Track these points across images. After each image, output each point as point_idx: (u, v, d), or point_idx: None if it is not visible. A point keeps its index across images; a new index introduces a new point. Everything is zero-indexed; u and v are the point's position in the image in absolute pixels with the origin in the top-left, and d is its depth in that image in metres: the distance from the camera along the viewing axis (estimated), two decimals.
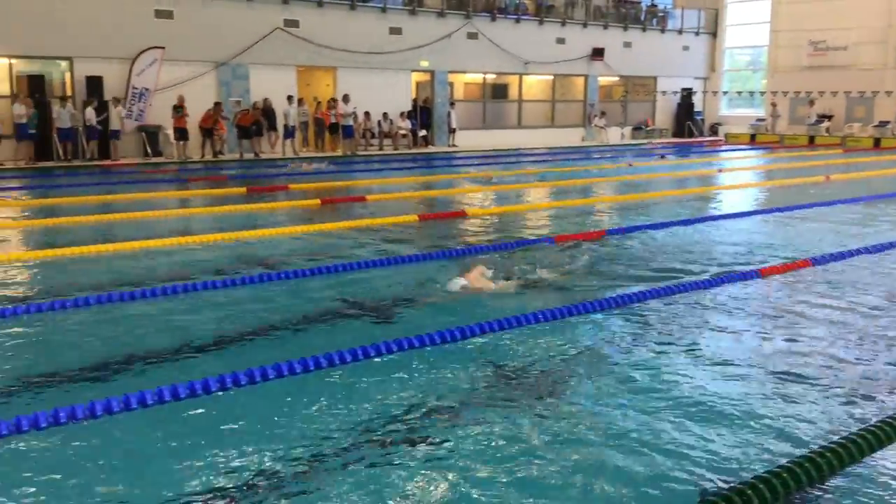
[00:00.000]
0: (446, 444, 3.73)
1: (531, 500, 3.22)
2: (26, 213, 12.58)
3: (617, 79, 34.01)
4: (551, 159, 23.88)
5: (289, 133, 23.97)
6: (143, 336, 5.50)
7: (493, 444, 3.74)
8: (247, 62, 23.79)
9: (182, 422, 4.00)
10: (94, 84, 21.16)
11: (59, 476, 3.43)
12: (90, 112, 20.62)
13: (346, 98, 24.67)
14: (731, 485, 3.27)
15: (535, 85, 32.03)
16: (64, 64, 21.41)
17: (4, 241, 9.29)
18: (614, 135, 32.75)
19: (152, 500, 3.22)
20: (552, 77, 31.98)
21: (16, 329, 5.68)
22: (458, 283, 6.69)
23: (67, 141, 20.55)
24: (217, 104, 22.50)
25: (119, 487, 3.33)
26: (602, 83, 33.56)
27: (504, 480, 3.38)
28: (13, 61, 20.84)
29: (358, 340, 5.06)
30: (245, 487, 3.31)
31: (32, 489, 3.31)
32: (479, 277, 6.80)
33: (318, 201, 13.05)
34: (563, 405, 4.23)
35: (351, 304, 6.28)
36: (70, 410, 3.91)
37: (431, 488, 3.31)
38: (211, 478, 3.40)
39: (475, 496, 3.25)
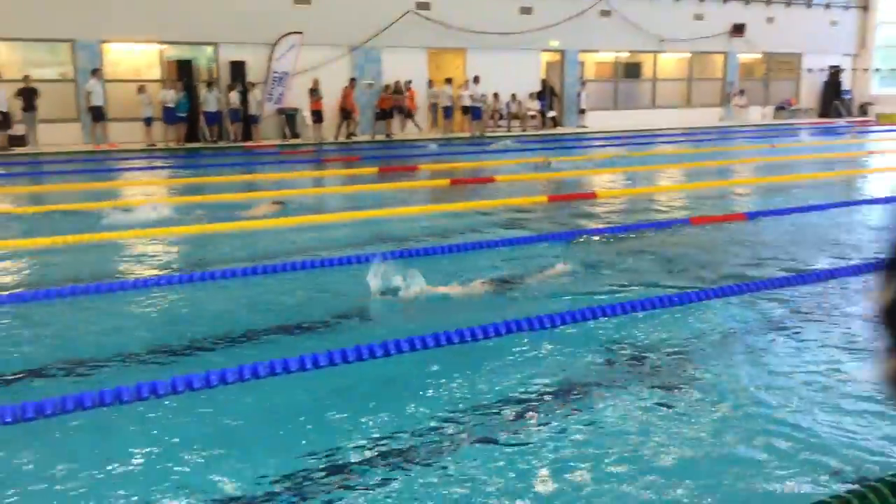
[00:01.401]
0: (565, 427, 3.69)
1: (653, 486, 3.15)
2: (178, 191, 13.35)
3: (758, 56, 32.41)
4: (687, 140, 23.08)
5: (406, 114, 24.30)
6: (289, 303, 5.71)
7: (613, 428, 3.67)
8: (379, 46, 24.24)
9: (321, 387, 4.14)
10: (238, 68, 22.16)
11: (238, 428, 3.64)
12: (234, 96, 21.61)
13: (475, 79, 24.73)
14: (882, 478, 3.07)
15: (670, 63, 31.00)
16: (210, 49, 22.52)
17: (161, 216, 9.90)
18: (755, 115, 31.28)
19: (296, 463, 3.35)
20: (689, 55, 30.85)
21: (174, 296, 6.05)
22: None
23: (213, 124, 21.65)
24: (352, 80, 23.06)
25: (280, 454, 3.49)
26: (742, 61, 32.07)
27: (623, 467, 3.32)
28: (163, 47, 22.09)
29: (478, 320, 5.07)
30: (378, 457, 3.40)
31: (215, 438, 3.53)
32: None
33: (447, 181, 13.16)
34: (694, 391, 4.10)
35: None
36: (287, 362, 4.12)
37: (548, 470, 3.28)
38: (344, 446, 3.50)
39: (593, 480, 3.20)
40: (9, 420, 3.66)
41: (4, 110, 18.92)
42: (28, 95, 19.02)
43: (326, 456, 3.39)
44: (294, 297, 5.96)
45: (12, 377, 4.35)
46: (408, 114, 24.21)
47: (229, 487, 3.13)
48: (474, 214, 9.97)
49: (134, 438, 3.57)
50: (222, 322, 5.35)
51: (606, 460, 3.33)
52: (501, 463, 3.31)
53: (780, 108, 32.43)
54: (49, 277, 6.71)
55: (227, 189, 12.74)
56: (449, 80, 25.27)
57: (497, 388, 4.12)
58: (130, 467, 3.31)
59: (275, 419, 3.80)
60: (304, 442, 3.53)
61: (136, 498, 3.06)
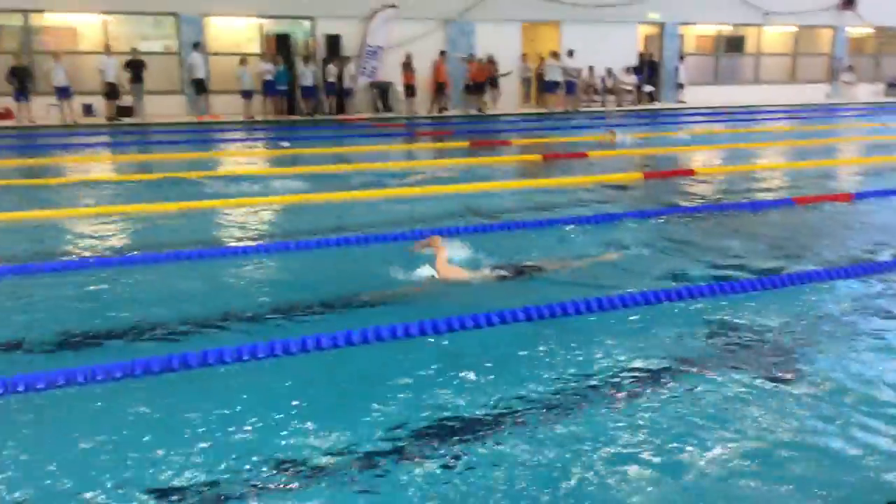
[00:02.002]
0: (662, 406, 3.62)
1: (751, 472, 3.06)
2: (274, 162, 13.68)
3: (870, 30, 30.70)
4: (791, 117, 22.15)
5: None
6: (380, 273, 5.78)
7: (710, 409, 3.58)
8: (473, 19, 24.09)
9: (417, 357, 4.19)
10: (333, 43, 22.44)
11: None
12: (330, 69, 21.92)
13: (570, 53, 24.33)
14: None
15: (775, 37, 29.72)
16: (307, 23, 22.87)
17: (258, 186, 10.16)
18: (864, 92, 29.72)
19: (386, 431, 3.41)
20: (795, 28, 29.50)
21: (270, 263, 6.22)
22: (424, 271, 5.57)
23: (310, 97, 22.04)
24: (442, 53, 23.02)
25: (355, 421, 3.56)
26: (852, 35, 30.46)
27: (718, 451, 3.24)
28: (263, 21, 22.56)
29: (571, 295, 5.02)
30: (481, 427, 3.43)
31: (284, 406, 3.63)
32: (444, 264, 5.61)
33: (539, 156, 13.04)
34: (796, 377, 3.95)
35: (567, 259, 6.21)
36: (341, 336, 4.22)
37: (642, 448, 3.23)
38: (450, 413, 3.54)
39: (689, 460, 3.14)
40: (118, 376, 3.84)
41: (113, 82, 19.72)
42: (135, 68, 19.79)
43: (436, 420, 3.44)
44: (384, 267, 6.01)
45: (121, 336, 4.56)
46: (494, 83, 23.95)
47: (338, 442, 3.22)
48: (567, 190, 9.85)
49: (235, 398, 3.69)
50: (313, 289, 5.47)
51: (703, 441, 3.26)
52: (601, 439, 3.29)
53: (892, 86, 30.68)
54: (154, 242, 6.99)
55: (321, 161, 12.97)
56: (555, 54, 24.91)
57: (592, 365, 4.08)
58: (232, 426, 3.43)
59: (384, 384, 3.87)
60: (409, 409, 3.59)
61: (236, 456, 3.18)
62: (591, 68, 25.41)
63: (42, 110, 19.47)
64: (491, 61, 23.63)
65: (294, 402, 3.65)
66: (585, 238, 7.04)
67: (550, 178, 10.68)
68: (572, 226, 7.49)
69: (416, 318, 4.50)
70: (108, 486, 2.95)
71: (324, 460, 3.14)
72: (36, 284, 5.67)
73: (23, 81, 18.81)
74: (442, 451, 3.20)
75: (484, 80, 23.43)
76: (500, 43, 24.09)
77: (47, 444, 3.29)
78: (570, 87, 24.46)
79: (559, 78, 24.20)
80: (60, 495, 2.91)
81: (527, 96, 25.43)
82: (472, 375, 3.94)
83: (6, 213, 8.14)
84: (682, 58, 27.40)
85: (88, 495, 2.89)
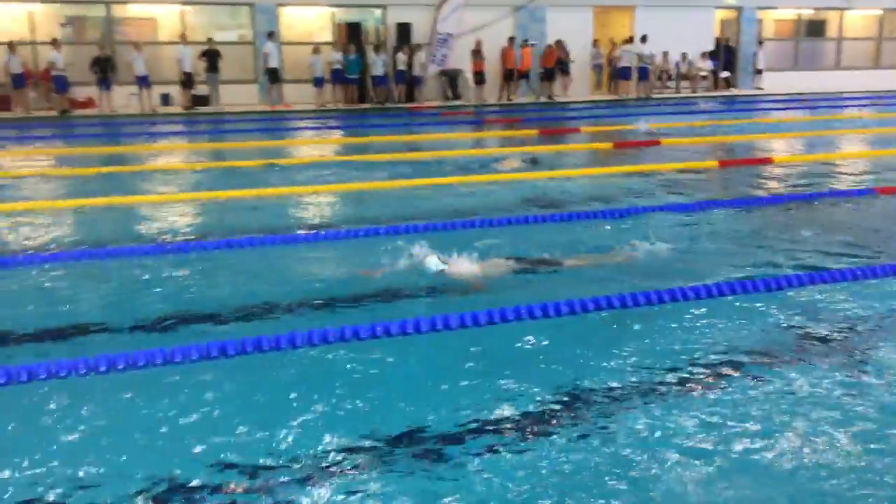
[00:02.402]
0: (736, 397, 3.54)
1: (825, 467, 2.96)
2: (345, 150, 13.84)
3: None
4: (875, 104, 21.29)
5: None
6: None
7: (783, 401, 3.48)
8: (544, 4, 23.84)
9: (477, 345, 4.20)
10: (404, 30, 22.52)
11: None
12: (400, 57, 22.02)
13: (643, 38, 23.86)
14: None
15: (857, 21, 28.56)
16: (378, 12, 23.00)
17: (327, 173, 10.30)
18: None
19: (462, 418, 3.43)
20: (880, 12, 28.29)
21: (333, 251, 6.30)
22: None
23: (380, 85, 22.18)
24: (511, 39, 22.85)
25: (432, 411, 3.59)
26: None
27: (793, 442, 3.14)
28: (335, 10, 22.79)
29: (643, 285, 4.94)
30: (553, 414, 3.42)
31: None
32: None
33: (611, 144, 12.85)
34: (874, 374, 3.81)
35: (639, 248, 6.11)
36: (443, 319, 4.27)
37: (720, 439, 3.16)
38: (515, 403, 3.54)
39: (762, 453, 3.06)
40: (195, 357, 3.95)
41: (189, 71, 20.22)
42: (211, 57, 20.24)
43: (508, 408, 3.45)
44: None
45: (200, 320, 4.69)
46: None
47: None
48: (639, 178, 9.69)
49: (311, 380, 3.77)
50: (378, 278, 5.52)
51: (776, 433, 3.18)
52: (670, 428, 3.24)
53: None
54: (227, 228, 7.16)
55: (390, 149, 13.06)
56: (630, 39, 24.49)
57: (665, 355, 4.02)
58: (304, 408, 3.50)
59: (453, 372, 3.90)
60: (472, 399, 3.60)
61: (303, 435, 3.24)
62: (665, 54, 24.88)
63: (122, 99, 20.10)
64: (560, 46, 23.32)
65: (395, 383, 3.71)
66: (654, 228, 6.91)
67: (621, 165, 10.51)
68: (641, 214, 7.37)
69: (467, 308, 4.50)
70: (205, 461, 3.05)
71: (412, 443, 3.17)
72: (114, 267, 5.87)
73: (105, 71, 19.44)
74: (516, 441, 3.20)
75: (554, 64, 23.14)
76: (571, 29, 23.77)
77: (134, 420, 3.41)
78: (643, 74, 24.02)
79: (632, 64, 23.76)
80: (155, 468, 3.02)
81: (598, 83, 25.07)
82: (542, 366, 3.93)
83: (88, 199, 8.45)
84: (760, 43, 26.58)
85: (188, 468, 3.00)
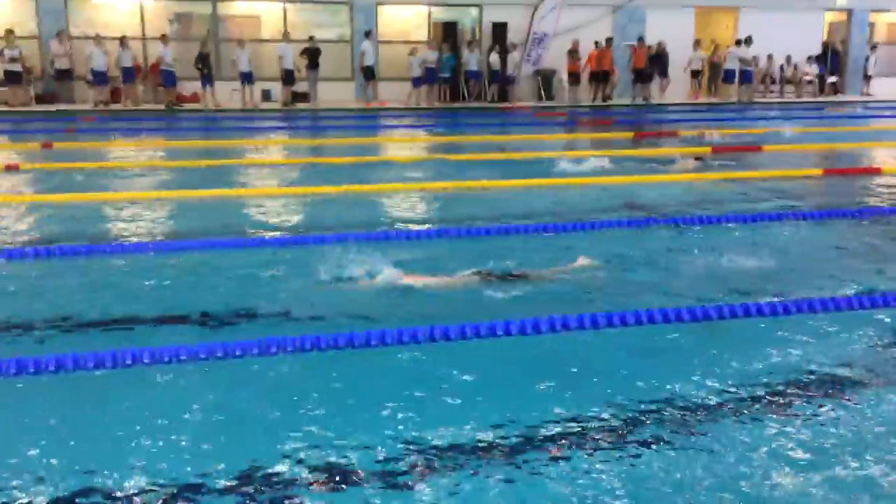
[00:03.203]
0: (832, 415, 3.38)
1: None
2: (435, 148, 13.93)
3: None
4: None
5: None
6: (532, 264, 5.76)
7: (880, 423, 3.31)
8: (644, 5, 23.40)
9: (560, 351, 4.15)
10: (499, 30, 22.49)
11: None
12: (494, 57, 22.00)
13: (747, 41, 23.11)
14: None
15: None
16: (475, 11, 23.05)
17: (419, 172, 10.39)
18: None
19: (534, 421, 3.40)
20: None
21: (418, 249, 6.34)
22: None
23: (473, 84, 22.21)
24: (608, 40, 22.48)
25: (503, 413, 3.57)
26: None
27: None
28: (432, 9, 22.95)
29: (737, 297, 4.79)
30: (638, 424, 3.35)
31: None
32: None
33: (708, 149, 12.50)
34: None
35: (731, 259, 5.92)
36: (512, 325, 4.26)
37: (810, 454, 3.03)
38: (607, 408, 3.49)
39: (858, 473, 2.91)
40: (291, 349, 4.03)
41: (290, 68, 20.71)
42: (312, 55, 20.69)
43: (610, 415, 3.41)
44: (532, 259, 5.94)
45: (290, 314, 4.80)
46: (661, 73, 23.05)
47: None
48: (736, 185, 9.40)
49: (393, 380, 3.82)
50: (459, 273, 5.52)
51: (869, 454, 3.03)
52: (762, 444, 3.13)
53: None
54: (323, 223, 7.30)
55: (482, 148, 13.07)
56: (738, 42, 23.80)
57: (763, 369, 3.90)
58: (374, 406, 3.53)
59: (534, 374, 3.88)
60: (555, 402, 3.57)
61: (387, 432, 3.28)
62: (769, 57, 24.05)
63: (225, 94, 20.77)
64: (660, 52, 22.81)
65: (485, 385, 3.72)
66: (749, 237, 6.69)
67: (718, 171, 10.22)
68: (735, 223, 7.14)
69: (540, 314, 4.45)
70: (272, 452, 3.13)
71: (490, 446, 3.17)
72: (216, 259, 6.06)
73: (209, 67, 20.13)
74: (610, 448, 3.16)
75: (643, 65, 22.61)
76: (671, 29, 23.20)
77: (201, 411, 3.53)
78: (745, 77, 23.25)
79: (736, 67, 23.03)
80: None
81: (698, 86, 24.42)
82: (624, 373, 3.86)
83: (192, 191, 8.76)
84: (872, 47, 25.35)
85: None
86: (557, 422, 3.37)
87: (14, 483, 2.87)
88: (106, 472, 2.93)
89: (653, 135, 15.17)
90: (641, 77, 22.77)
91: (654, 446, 3.16)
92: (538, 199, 8.57)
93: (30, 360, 3.79)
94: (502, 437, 3.22)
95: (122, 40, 19.57)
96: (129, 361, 3.85)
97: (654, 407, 3.51)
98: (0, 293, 5.20)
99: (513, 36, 22.48)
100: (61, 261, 5.93)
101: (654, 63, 22.81)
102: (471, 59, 21.91)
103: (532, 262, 5.72)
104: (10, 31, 19.00)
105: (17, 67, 19.08)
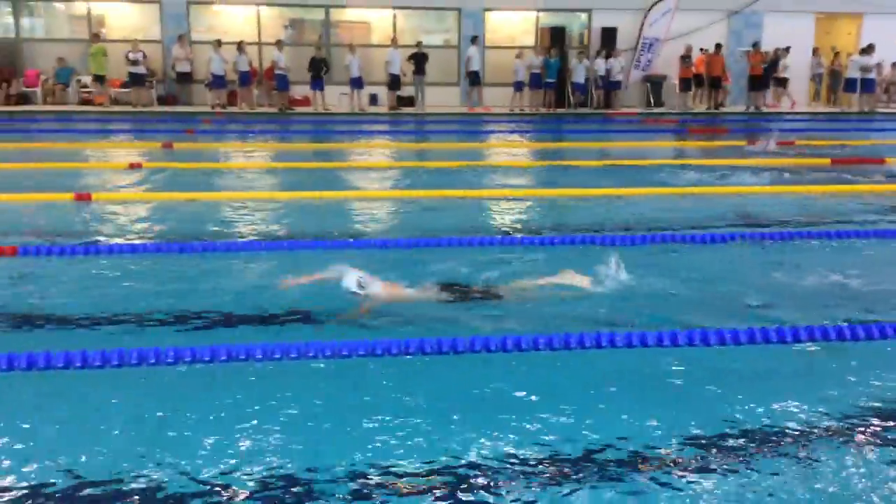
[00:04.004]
0: None
1: None
2: (537, 154, 13.85)
3: None
4: None
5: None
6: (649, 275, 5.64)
7: None
8: (762, 10, 22.58)
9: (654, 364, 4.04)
10: (608, 35, 22.17)
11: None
12: (600, 62, 21.70)
13: (869, 48, 21.93)
14: None
15: None
16: (584, 16, 22.82)
17: (520, 177, 10.35)
18: None
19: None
20: None
21: (530, 255, 6.30)
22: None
23: (579, 90, 21.99)
24: (717, 46, 21.77)
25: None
26: None
27: None
28: (540, 14, 22.85)
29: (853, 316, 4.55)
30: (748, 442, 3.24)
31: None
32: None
33: (828, 160, 11.94)
34: None
35: (847, 275, 5.62)
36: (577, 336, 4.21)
37: None
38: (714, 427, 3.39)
39: None
40: (384, 351, 4.07)
41: (397, 73, 21.03)
42: (419, 60, 20.95)
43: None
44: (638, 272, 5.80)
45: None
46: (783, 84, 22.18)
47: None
48: (857, 198, 8.94)
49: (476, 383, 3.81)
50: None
51: None
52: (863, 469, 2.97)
53: None
54: (424, 227, 7.37)
55: (584, 156, 12.90)
56: (863, 50, 22.72)
57: (866, 392, 3.71)
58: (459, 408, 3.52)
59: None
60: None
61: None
62: (893, 65, 22.76)
63: (334, 98, 21.27)
64: (776, 60, 21.92)
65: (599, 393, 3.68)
66: (870, 254, 6.34)
67: (838, 184, 9.75)
68: (855, 238, 6.78)
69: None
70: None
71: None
72: (318, 258, 6.18)
73: (319, 71, 20.66)
74: (723, 462, 3.10)
75: (760, 72, 21.75)
76: (789, 36, 22.26)
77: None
78: (867, 86, 22.08)
79: (857, 75, 21.91)
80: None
81: (817, 94, 23.39)
82: (730, 392, 3.72)
83: (302, 192, 9.01)
84: None
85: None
86: (665, 437, 3.29)
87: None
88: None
89: (766, 143, 14.59)
90: (756, 84, 21.96)
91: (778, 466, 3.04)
92: (643, 207, 8.38)
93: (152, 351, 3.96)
94: (601, 451, 3.16)
95: (240, 45, 20.34)
96: (247, 356, 3.97)
97: (765, 423, 3.38)
98: (125, 286, 5.46)
99: (622, 41, 22.12)
100: (178, 257, 6.17)
101: (770, 70, 21.98)
102: (578, 65, 21.68)
103: (639, 275, 5.59)
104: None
105: (140, 70, 20.16)
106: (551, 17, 22.99)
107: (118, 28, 21.80)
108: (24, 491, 2.87)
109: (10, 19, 21.44)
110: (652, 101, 22.47)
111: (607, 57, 21.69)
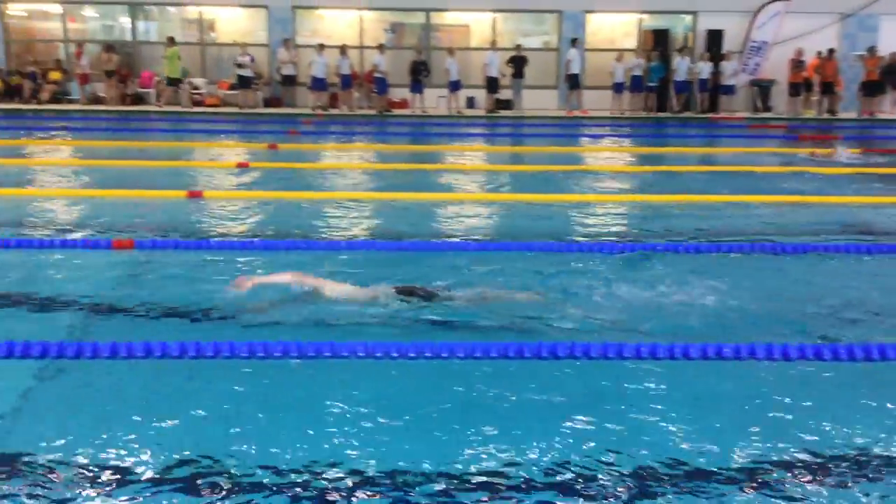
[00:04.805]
0: None
1: None
2: (636, 160, 13.64)
3: None
4: None
5: None
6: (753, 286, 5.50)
7: None
8: (878, 12, 21.54)
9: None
10: (714, 37, 21.61)
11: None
12: (704, 66, 21.16)
13: None
14: None
15: None
16: (688, 18, 22.32)
17: (616, 183, 10.23)
18: None
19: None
20: None
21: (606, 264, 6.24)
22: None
23: (682, 93, 21.52)
24: (830, 50, 20.90)
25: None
26: None
27: None
28: (643, 16, 22.47)
29: None
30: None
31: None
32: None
33: None
34: None
35: None
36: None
37: None
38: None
39: None
40: (494, 355, 4.11)
41: (495, 76, 21.06)
42: (518, 63, 20.94)
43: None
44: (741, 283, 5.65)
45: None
46: None
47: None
48: None
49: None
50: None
51: None
52: None
53: None
54: (519, 231, 7.40)
55: (686, 161, 12.63)
56: None
57: None
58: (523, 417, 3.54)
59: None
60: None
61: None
62: None
63: (431, 101, 21.49)
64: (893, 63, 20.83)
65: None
66: None
67: None
68: None
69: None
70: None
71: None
72: (413, 259, 6.29)
73: (419, 74, 20.91)
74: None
75: (875, 77, 20.72)
76: None
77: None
78: None
79: None
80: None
81: None
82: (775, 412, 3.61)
83: (401, 193, 9.18)
84: None
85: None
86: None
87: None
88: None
89: (879, 152, 13.95)
90: (871, 90, 20.95)
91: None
92: (749, 215, 8.16)
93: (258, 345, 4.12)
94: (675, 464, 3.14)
95: (342, 49, 20.82)
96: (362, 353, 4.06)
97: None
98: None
99: (729, 44, 21.51)
100: (286, 254, 6.37)
101: (887, 75, 20.92)
102: (681, 68, 21.21)
103: (740, 285, 5.46)
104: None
105: (248, 73, 20.91)
106: (654, 19, 22.59)
107: (227, 32, 22.71)
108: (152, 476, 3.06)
109: (129, 24, 22.66)
110: (760, 105, 21.76)
111: (718, 60, 21.10)
